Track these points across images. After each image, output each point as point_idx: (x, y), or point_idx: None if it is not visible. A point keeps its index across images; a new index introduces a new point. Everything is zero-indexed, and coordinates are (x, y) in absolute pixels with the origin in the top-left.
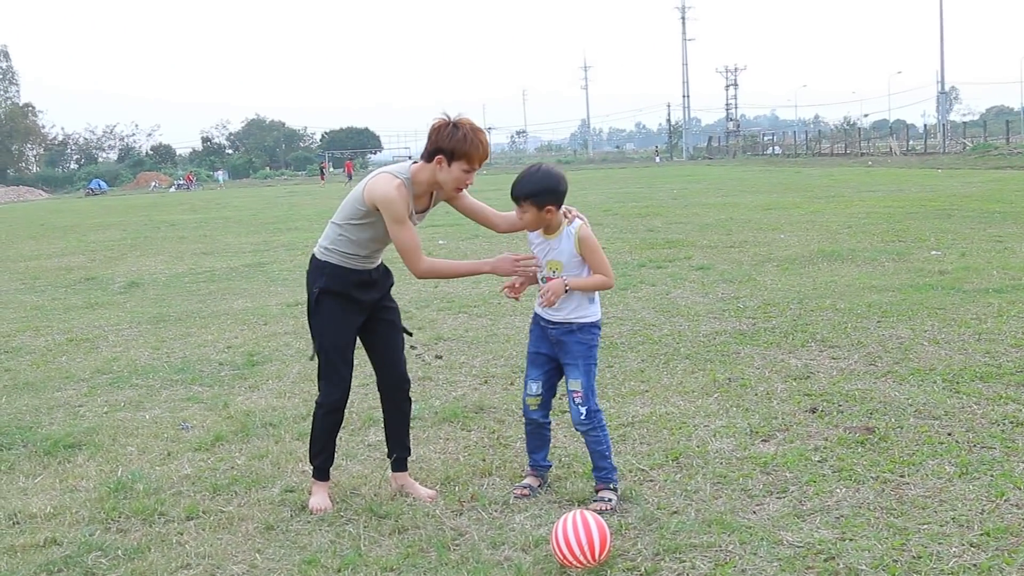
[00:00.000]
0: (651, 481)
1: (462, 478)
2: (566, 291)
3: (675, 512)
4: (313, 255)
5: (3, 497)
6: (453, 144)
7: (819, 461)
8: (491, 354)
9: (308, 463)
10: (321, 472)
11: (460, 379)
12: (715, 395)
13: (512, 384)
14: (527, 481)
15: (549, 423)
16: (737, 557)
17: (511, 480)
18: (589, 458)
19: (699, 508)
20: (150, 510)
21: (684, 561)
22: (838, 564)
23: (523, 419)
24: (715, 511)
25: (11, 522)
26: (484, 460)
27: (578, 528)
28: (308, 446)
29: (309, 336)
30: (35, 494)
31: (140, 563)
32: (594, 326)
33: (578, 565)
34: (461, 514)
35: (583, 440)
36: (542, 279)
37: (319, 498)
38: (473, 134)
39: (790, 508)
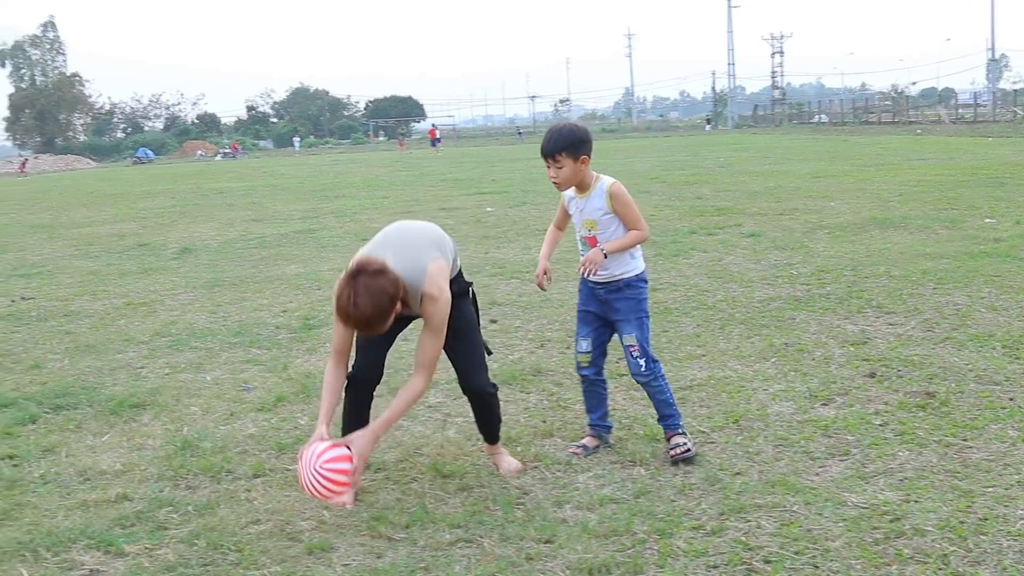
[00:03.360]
0: (712, 443)
1: (524, 439)
2: (604, 257)
3: (738, 473)
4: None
5: (72, 455)
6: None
7: (880, 425)
8: (545, 319)
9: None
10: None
11: (516, 343)
12: (772, 359)
13: (568, 348)
14: (584, 441)
15: (603, 381)
16: (802, 517)
17: (572, 441)
18: (652, 417)
19: (762, 469)
20: (217, 468)
21: (749, 520)
22: (904, 525)
23: (579, 378)
24: (778, 472)
25: (82, 478)
26: (544, 422)
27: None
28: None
29: None
30: (103, 452)
31: (211, 518)
32: (639, 279)
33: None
34: (524, 473)
35: (645, 397)
36: (580, 239)
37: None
38: (341, 309)
39: (853, 470)
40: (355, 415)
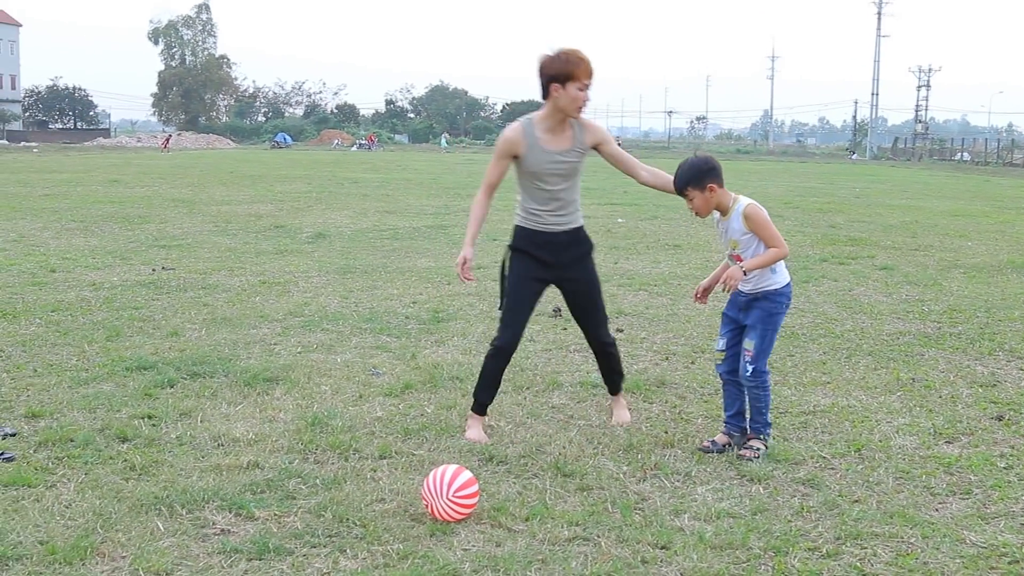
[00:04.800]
0: (832, 469)
1: (644, 447)
2: (744, 275)
3: (856, 501)
4: None
5: (207, 420)
6: (560, 68)
7: (1005, 468)
8: (671, 332)
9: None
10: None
11: (641, 354)
12: (898, 393)
13: (693, 363)
14: (716, 438)
15: (739, 382)
16: (919, 550)
17: (692, 454)
18: (774, 437)
19: (880, 499)
20: (345, 446)
21: (866, 548)
22: (1023, 568)
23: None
24: (897, 504)
25: (216, 443)
26: (666, 432)
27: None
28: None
29: (488, 298)
30: (237, 421)
31: (337, 493)
32: (778, 294)
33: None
34: (644, 480)
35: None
36: (727, 256)
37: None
38: (575, 55)
39: (974, 510)
40: (491, 381)
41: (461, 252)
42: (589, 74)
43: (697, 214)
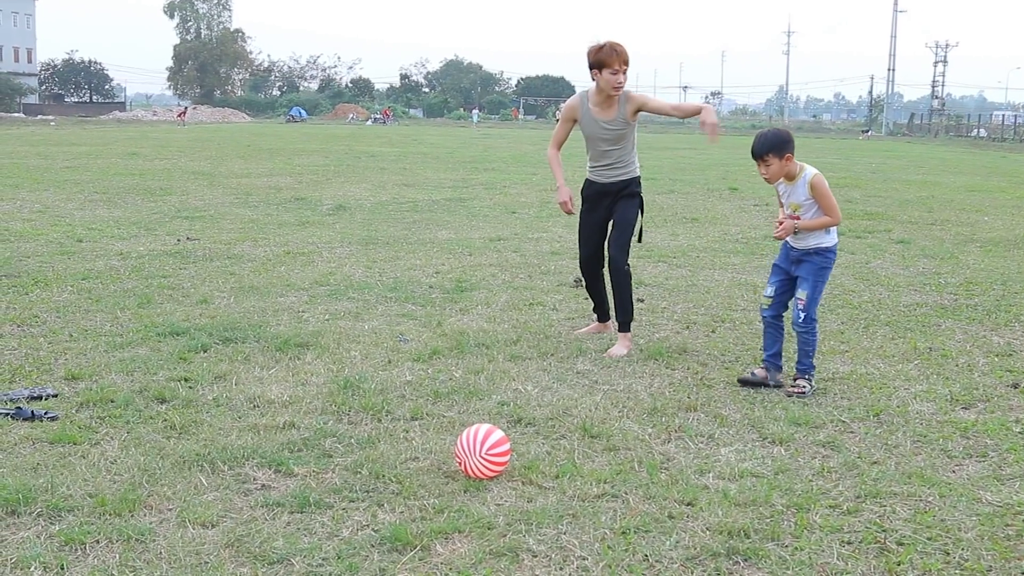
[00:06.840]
0: (851, 432)
1: (668, 410)
2: (795, 232)
3: (875, 462)
4: None
5: (242, 383)
6: (598, 57)
7: (1020, 432)
8: (691, 303)
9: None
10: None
11: (662, 323)
12: (915, 362)
13: (713, 332)
14: (756, 370)
15: (780, 325)
16: (937, 508)
17: (715, 418)
18: (795, 403)
19: (899, 461)
20: (378, 407)
21: (885, 506)
22: None
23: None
24: (915, 465)
25: (251, 405)
26: (689, 397)
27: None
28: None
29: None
30: (270, 383)
31: (371, 451)
32: (829, 251)
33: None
34: (669, 442)
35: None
36: (788, 216)
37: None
38: (610, 46)
39: (990, 471)
40: (592, 295)
41: (559, 195)
42: (622, 62)
43: (768, 180)
